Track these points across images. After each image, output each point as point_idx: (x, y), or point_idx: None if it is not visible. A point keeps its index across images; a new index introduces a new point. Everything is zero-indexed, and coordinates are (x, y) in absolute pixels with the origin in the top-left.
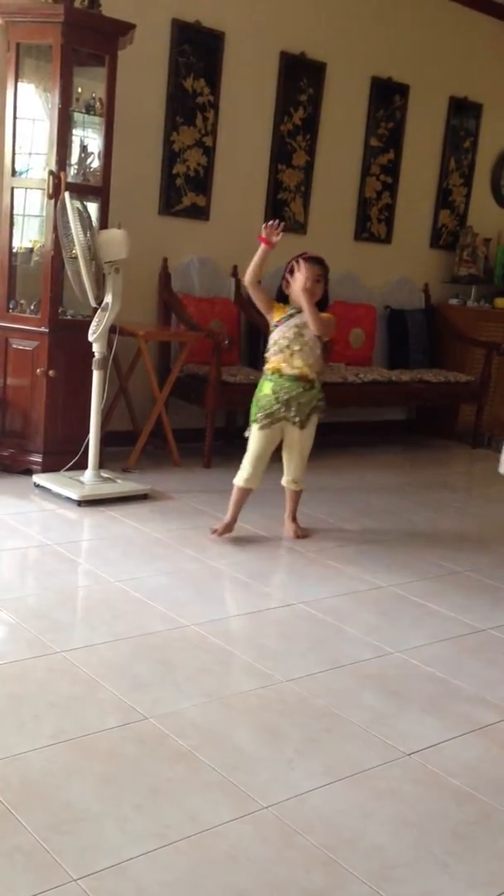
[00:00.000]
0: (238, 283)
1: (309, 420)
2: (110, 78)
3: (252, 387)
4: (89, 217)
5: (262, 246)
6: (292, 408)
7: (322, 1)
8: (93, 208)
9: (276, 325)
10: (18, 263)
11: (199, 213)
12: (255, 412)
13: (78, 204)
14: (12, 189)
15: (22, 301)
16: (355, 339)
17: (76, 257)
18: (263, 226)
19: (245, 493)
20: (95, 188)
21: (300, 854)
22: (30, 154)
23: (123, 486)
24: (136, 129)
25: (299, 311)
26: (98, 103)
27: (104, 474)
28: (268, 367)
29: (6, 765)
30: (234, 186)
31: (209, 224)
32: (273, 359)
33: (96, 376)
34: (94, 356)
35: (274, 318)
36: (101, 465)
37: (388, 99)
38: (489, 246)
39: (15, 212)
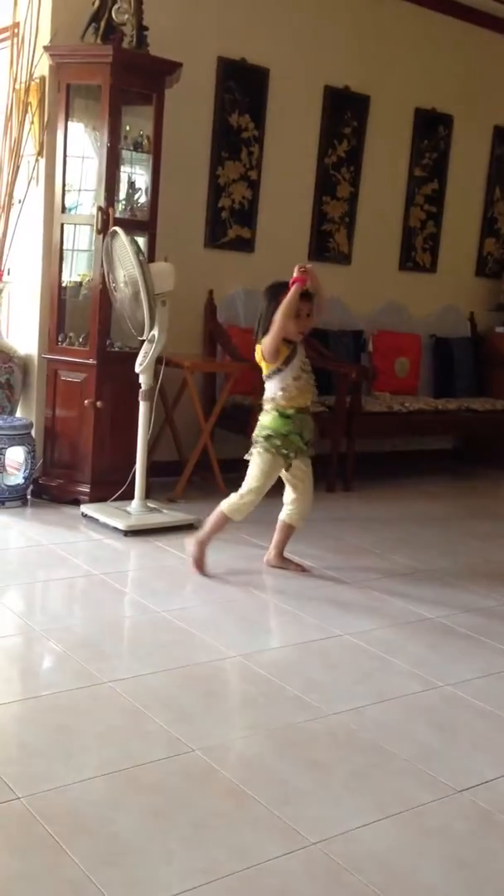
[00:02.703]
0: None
1: (309, 448)
2: (158, 116)
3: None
4: (141, 250)
5: (298, 285)
6: (303, 438)
7: (365, 35)
8: (140, 242)
9: (286, 363)
10: (67, 297)
11: (245, 245)
12: (282, 449)
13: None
14: (62, 225)
15: (71, 334)
16: (400, 369)
17: (131, 290)
18: (300, 267)
19: (226, 521)
20: (143, 223)
21: (349, 892)
22: (79, 191)
23: (169, 516)
24: (182, 164)
25: (296, 344)
26: (146, 140)
27: (150, 504)
28: (288, 404)
29: (54, 796)
30: (278, 218)
31: (254, 256)
32: (297, 396)
33: (143, 407)
34: (140, 387)
35: (283, 355)
36: (148, 495)
37: (431, 129)
38: None
39: (65, 247)
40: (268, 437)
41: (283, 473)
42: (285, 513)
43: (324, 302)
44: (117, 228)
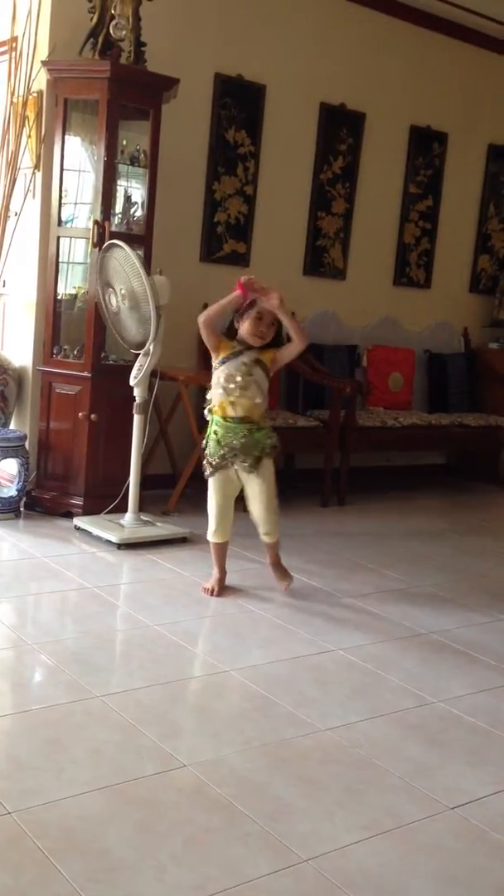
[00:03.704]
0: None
1: (260, 464)
2: (154, 131)
3: (290, 431)
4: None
5: (238, 293)
6: (239, 453)
7: (361, 52)
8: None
9: (222, 363)
10: (63, 310)
11: (240, 259)
12: (204, 457)
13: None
14: (58, 238)
15: (66, 346)
16: (394, 384)
17: (128, 304)
18: (247, 277)
19: (221, 547)
20: (139, 237)
21: None
22: (75, 204)
23: (163, 529)
24: (178, 179)
25: (247, 348)
26: (142, 155)
27: (144, 517)
28: (211, 406)
29: (44, 811)
30: (274, 234)
31: (249, 270)
32: (217, 398)
33: (137, 420)
34: (135, 400)
35: (220, 354)
36: (141, 508)
37: (426, 147)
38: None
39: (60, 259)
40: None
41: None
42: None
43: (293, 327)
44: (121, 243)
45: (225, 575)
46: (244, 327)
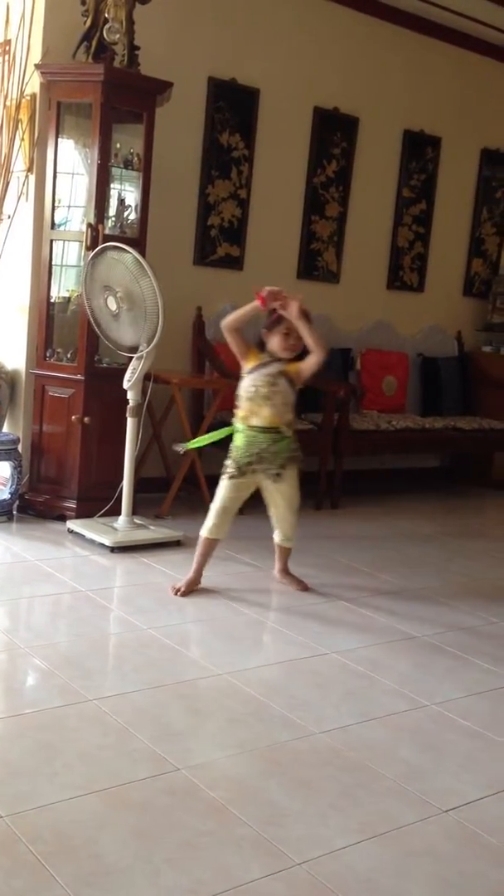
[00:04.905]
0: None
1: (285, 471)
2: (148, 134)
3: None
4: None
5: (257, 304)
6: (264, 460)
7: (354, 57)
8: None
9: (250, 373)
10: (56, 313)
11: (234, 263)
12: (227, 461)
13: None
14: (51, 241)
15: (59, 349)
16: (388, 387)
17: (126, 307)
18: (268, 289)
19: (212, 544)
20: (132, 240)
21: None
22: (68, 207)
23: (156, 532)
24: (172, 182)
25: (275, 359)
26: (136, 158)
27: (137, 521)
28: (238, 413)
29: (37, 815)
30: (267, 237)
31: (243, 274)
32: (242, 406)
33: (130, 423)
34: (128, 403)
35: (248, 364)
36: (135, 511)
37: (420, 151)
38: None
39: (53, 262)
40: (229, 457)
41: (264, 494)
42: (274, 533)
43: (309, 341)
44: (124, 246)
45: (200, 579)
46: (273, 342)
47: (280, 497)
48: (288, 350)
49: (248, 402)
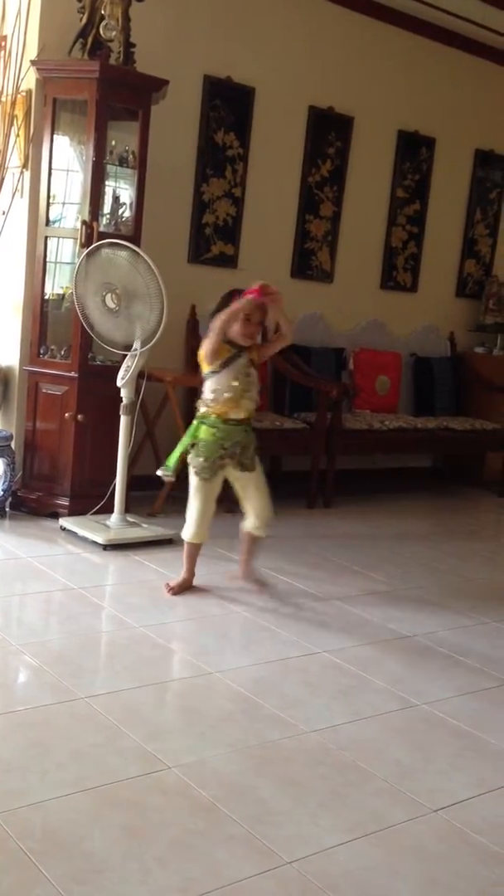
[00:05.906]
0: (265, 330)
1: (255, 461)
2: (143, 132)
3: (276, 433)
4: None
5: (251, 297)
6: (237, 453)
7: (349, 57)
8: (123, 256)
9: (221, 368)
10: (50, 310)
11: (228, 261)
12: (196, 462)
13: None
14: (46, 238)
15: (52, 346)
16: (381, 387)
17: (125, 304)
18: (262, 283)
19: (198, 547)
20: (127, 237)
21: None
22: (63, 203)
23: (149, 530)
24: (167, 180)
25: (240, 350)
26: (131, 156)
27: (130, 518)
28: (210, 411)
29: (28, 812)
30: (261, 236)
31: (237, 272)
32: (221, 403)
33: (124, 421)
34: (121, 401)
35: (218, 358)
36: (127, 509)
37: (414, 151)
38: None
39: (48, 259)
40: (194, 458)
41: (234, 486)
42: (244, 522)
43: (286, 328)
44: (125, 243)
45: (192, 578)
46: (234, 329)
47: (253, 485)
48: (247, 336)
49: (231, 398)
